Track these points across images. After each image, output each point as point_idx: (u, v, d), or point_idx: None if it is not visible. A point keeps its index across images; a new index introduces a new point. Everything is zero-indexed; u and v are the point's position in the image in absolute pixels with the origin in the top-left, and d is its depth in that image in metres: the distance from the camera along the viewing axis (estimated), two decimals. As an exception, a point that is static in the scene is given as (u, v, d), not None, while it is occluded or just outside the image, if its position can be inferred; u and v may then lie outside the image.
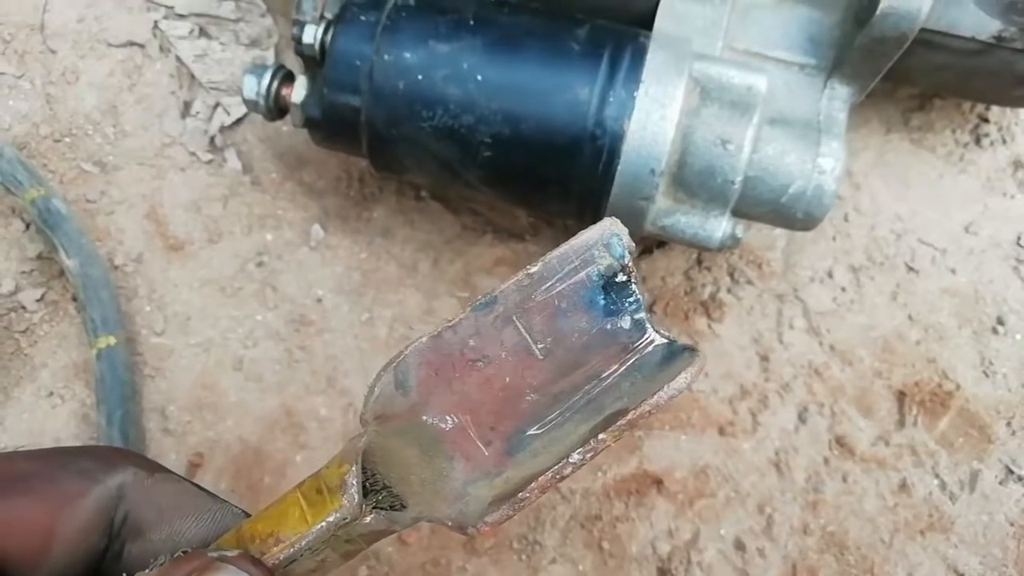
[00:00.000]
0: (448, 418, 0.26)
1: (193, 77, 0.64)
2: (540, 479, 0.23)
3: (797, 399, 0.58)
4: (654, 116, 0.44)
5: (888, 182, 0.61)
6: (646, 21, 0.49)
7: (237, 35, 0.64)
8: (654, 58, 0.45)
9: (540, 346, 0.27)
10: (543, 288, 0.26)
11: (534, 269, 0.26)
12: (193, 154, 0.62)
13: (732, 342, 0.59)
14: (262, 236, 0.61)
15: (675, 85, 0.44)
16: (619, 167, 0.45)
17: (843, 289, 0.59)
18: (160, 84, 0.63)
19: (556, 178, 0.46)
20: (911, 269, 0.60)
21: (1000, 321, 0.58)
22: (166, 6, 0.64)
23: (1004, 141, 0.61)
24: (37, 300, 0.59)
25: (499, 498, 0.23)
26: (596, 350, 0.26)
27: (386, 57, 0.45)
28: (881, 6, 0.43)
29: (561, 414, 0.26)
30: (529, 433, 0.26)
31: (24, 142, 0.62)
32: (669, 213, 0.48)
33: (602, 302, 0.27)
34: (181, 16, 0.64)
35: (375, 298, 0.60)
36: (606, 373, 0.26)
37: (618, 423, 0.23)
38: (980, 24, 0.48)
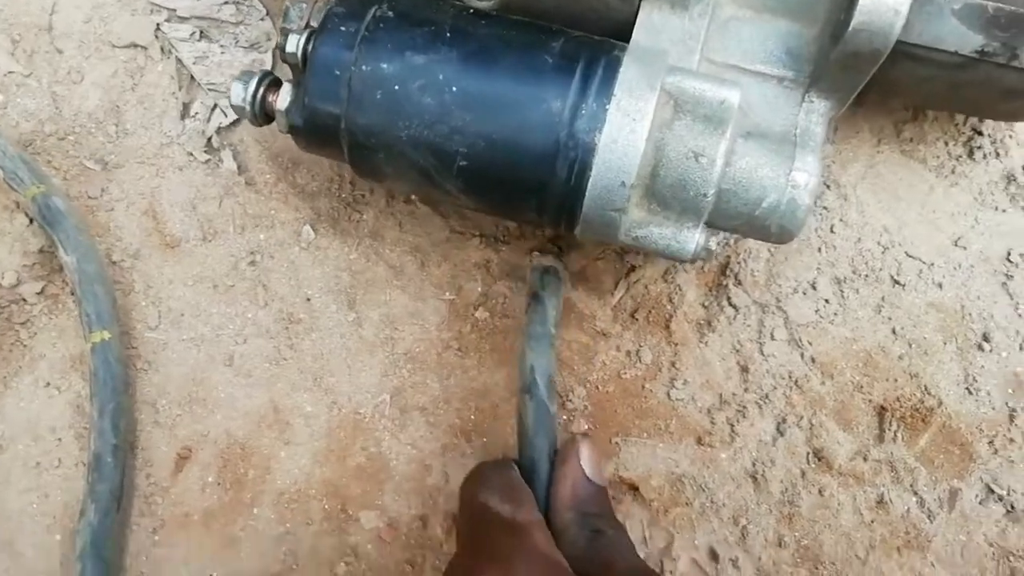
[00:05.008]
0: None
1: (193, 79, 0.65)
2: None
3: (776, 411, 0.58)
4: (625, 129, 0.44)
5: (877, 194, 0.61)
6: (625, 32, 0.49)
7: (236, 38, 0.66)
8: (627, 71, 0.45)
9: None
10: None
11: None
12: (191, 154, 0.64)
13: (713, 351, 0.59)
14: (255, 235, 0.63)
15: (647, 99, 0.44)
16: (591, 179, 0.45)
17: (826, 301, 0.59)
18: (161, 85, 0.65)
19: (530, 188, 0.47)
20: (897, 282, 0.59)
21: (986, 338, 0.58)
22: (168, 8, 0.66)
23: (997, 154, 0.60)
24: (37, 293, 0.62)
25: None
26: None
27: (364, 67, 0.46)
28: (853, 23, 0.43)
29: None
30: None
31: (30, 139, 0.64)
32: (642, 224, 0.48)
33: None
34: (183, 19, 0.66)
35: (362, 299, 0.61)
36: None
37: None
38: (963, 39, 0.47)
